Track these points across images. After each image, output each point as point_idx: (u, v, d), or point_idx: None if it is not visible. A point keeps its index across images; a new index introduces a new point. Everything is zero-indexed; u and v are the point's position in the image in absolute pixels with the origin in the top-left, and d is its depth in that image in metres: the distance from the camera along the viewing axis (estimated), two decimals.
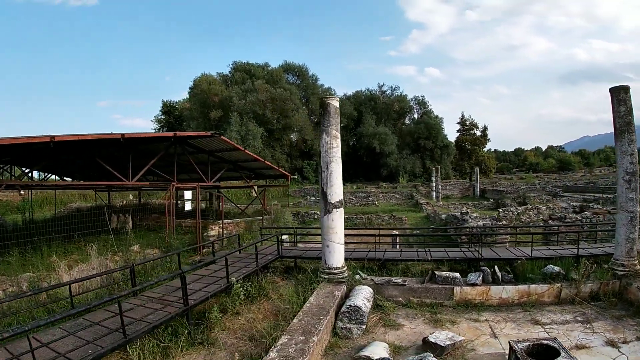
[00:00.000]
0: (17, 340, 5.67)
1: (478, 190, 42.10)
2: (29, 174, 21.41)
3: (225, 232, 16.38)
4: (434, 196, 35.95)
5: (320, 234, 15.21)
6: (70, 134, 10.99)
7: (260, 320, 7.68)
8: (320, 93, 58.06)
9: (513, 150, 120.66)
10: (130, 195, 34.88)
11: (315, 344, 5.68)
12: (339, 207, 8.87)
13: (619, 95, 8.90)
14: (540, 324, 7.76)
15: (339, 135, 8.90)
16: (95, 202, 28.97)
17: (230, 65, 60.09)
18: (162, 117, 62.89)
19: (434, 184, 36.96)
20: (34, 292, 7.27)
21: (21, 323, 7.20)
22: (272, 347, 5.61)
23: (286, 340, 5.76)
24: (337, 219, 8.88)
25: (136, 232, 15.18)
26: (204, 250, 14.16)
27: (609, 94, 9.16)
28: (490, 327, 7.65)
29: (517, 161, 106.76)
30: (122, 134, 11.95)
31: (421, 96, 67.98)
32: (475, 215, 17.68)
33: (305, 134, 52.19)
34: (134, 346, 6.07)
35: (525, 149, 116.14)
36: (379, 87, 67.41)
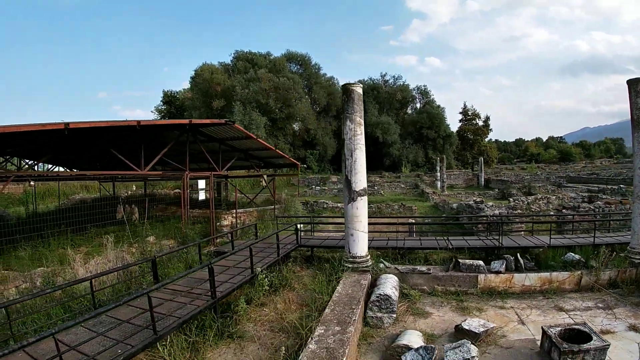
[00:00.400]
0: (39, 342, 5.04)
1: (482, 180, 42.04)
2: (34, 167, 21.29)
3: (238, 221, 16.26)
4: (439, 186, 35.95)
5: (335, 223, 15.26)
6: (85, 121, 10.77)
7: (290, 310, 7.58)
8: (323, 82, 57.83)
9: (514, 140, 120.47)
10: (134, 186, 34.64)
11: (352, 334, 5.62)
12: (363, 195, 8.82)
13: (637, 87, 8.91)
14: (564, 311, 7.87)
15: (362, 122, 8.82)
16: (100, 192, 28.74)
17: (232, 55, 59.51)
18: (163, 107, 62.40)
19: (439, 174, 36.93)
20: (54, 289, 6.61)
21: (36, 322, 6.90)
22: (310, 338, 5.51)
23: (322, 331, 5.68)
24: (362, 207, 8.83)
25: (144, 222, 14.91)
26: (217, 240, 14.01)
27: (627, 86, 9.14)
28: (517, 314, 7.75)
29: (518, 152, 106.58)
30: (138, 121, 11.79)
31: (423, 86, 67.86)
32: (490, 204, 17.69)
33: (308, 124, 51.88)
34: (163, 343, 5.85)
35: (526, 140, 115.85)
36: (381, 76, 67.26)
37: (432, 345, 5.26)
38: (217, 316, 7.03)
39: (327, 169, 52.66)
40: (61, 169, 23.28)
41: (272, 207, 18.76)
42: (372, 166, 56.22)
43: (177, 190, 31.14)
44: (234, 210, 16.40)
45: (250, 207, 18.60)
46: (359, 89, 8.80)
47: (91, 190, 33.25)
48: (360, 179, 8.75)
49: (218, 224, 15.53)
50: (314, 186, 37.65)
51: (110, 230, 13.79)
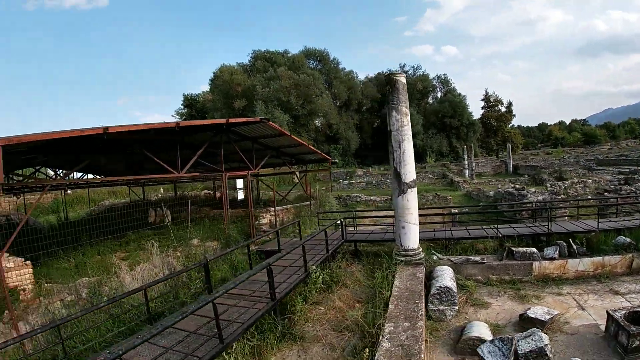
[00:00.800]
0: None
1: (511, 166, 41.40)
2: (67, 177, 21.45)
3: (277, 219, 16.25)
4: (467, 174, 35.51)
5: (372, 216, 15.15)
6: (124, 125, 10.78)
7: (351, 307, 7.48)
8: (342, 77, 57.53)
9: (537, 125, 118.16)
10: (161, 189, 34.86)
11: (423, 329, 5.57)
12: (413, 187, 8.75)
13: None
14: (620, 294, 7.84)
15: (408, 112, 8.71)
16: (129, 197, 28.95)
17: (250, 55, 59.60)
18: (184, 110, 62.88)
19: (467, 162, 36.51)
20: (109, 302, 6.19)
21: (84, 335, 6.57)
22: (380, 336, 5.43)
23: (392, 327, 5.64)
24: (412, 199, 8.77)
25: (179, 225, 14.77)
26: (258, 239, 13.93)
27: None
28: (575, 300, 7.74)
29: (542, 136, 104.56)
30: (177, 123, 11.96)
31: (444, 74, 66.70)
32: (533, 190, 17.44)
33: (330, 119, 51.61)
34: (228, 351, 5.64)
35: (549, 124, 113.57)
36: (400, 67, 66.35)
37: (509, 336, 5.22)
38: (277, 318, 6.97)
39: (351, 162, 52.49)
40: (90, 176, 23.48)
41: (308, 203, 18.78)
42: None
43: (206, 192, 31.27)
44: (271, 208, 16.40)
45: (286, 205, 18.59)
46: (403, 79, 8.71)
47: (119, 196, 33.46)
48: (410, 170, 8.68)
49: (257, 222, 15.54)
50: (341, 180, 37.63)
51: (146, 235, 13.68)
